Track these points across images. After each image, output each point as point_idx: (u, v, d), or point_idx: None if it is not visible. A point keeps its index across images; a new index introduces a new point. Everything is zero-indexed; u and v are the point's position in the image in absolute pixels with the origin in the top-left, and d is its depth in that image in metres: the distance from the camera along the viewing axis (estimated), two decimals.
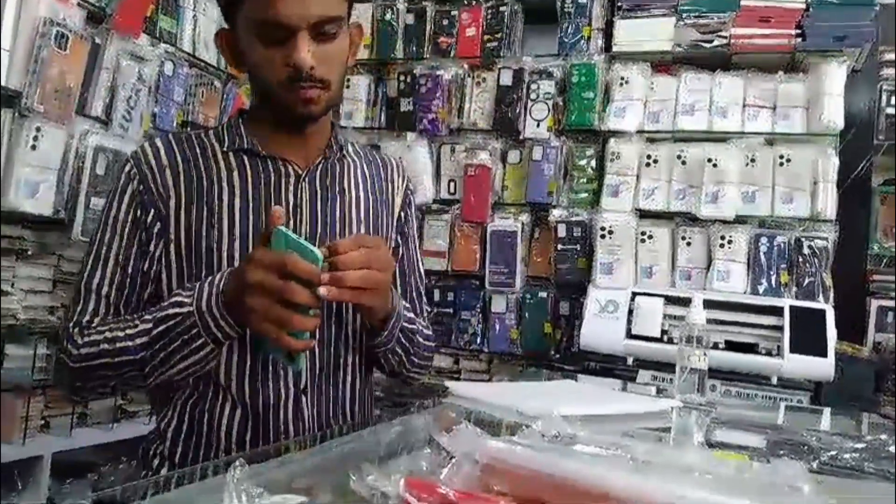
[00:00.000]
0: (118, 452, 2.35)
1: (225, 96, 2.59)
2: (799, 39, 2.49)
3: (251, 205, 1.13)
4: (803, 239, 2.41)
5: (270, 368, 1.10)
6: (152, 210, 1.11)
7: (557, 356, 2.67)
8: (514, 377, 2.53)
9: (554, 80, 2.76)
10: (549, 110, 2.76)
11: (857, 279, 2.63)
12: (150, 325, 1.04)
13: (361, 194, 1.24)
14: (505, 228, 2.77)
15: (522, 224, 2.77)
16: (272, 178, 1.15)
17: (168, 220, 1.11)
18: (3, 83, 1.86)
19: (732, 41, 2.57)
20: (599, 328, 2.40)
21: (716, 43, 2.60)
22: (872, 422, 1.27)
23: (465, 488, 0.52)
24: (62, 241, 2.08)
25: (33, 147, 1.92)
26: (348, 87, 3.12)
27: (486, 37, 2.89)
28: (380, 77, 3.11)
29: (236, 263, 1.08)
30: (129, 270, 1.12)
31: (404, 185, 1.34)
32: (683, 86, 2.64)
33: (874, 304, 2.64)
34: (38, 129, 1.93)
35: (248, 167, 1.15)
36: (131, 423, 2.35)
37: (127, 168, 1.14)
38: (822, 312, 2.23)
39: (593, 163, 2.73)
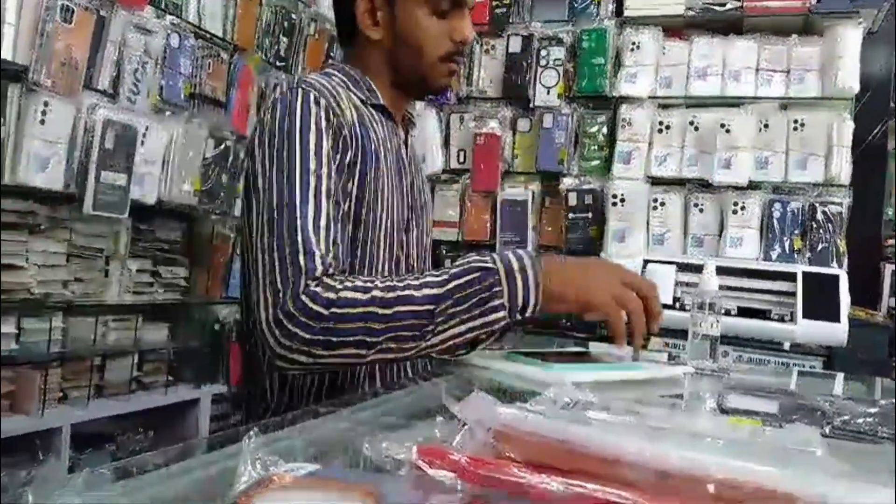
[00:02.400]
0: (135, 422, 2.38)
1: (232, 67, 2.58)
2: (813, 1, 2.44)
3: (390, 159, 1.13)
4: (817, 204, 2.39)
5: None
6: (347, 149, 1.04)
7: (569, 324, 2.67)
8: (527, 346, 2.54)
9: (564, 46, 2.73)
10: (559, 77, 2.73)
11: (871, 244, 2.61)
12: (440, 278, 0.95)
13: (423, 169, 1.35)
14: (515, 197, 2.76)
15: (533, 193, 2.76)
16: (392, 137, 1.18)
17: (355, 161, 1.05)
18: (10, 58, 1.86)
19: (745, 4, 2.52)
20: None
21: (728, 6, 2.55)
22: (886, 386, 1.26)
23: (477, 455, 0.52)
24: (74, 214, 2.09)
25: (42, 122, 1.92)
26: None
27: (494, 3, 2.85)
28: None
29: (386, 216, 1.09)
30: (340, 205, 1.01)
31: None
32: (696, 50, 2.60)
33: (888, 269, 2.62)
34: (45, 104, 1.93)
35: (381, 122, 1.16)
36: (148, 393, 2.38)
37: (312, 97, 1.03)
38: (835, 278, 2.21)
39: (604, 130, 2.71)
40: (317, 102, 1.03)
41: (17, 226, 1.98)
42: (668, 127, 2.58)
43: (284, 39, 2.82)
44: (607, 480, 0.47)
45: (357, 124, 1.07)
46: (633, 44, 2.64)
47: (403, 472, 0.52)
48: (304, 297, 0.92)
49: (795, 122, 2.45)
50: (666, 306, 2.31)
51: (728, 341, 2.25)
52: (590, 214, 2.64)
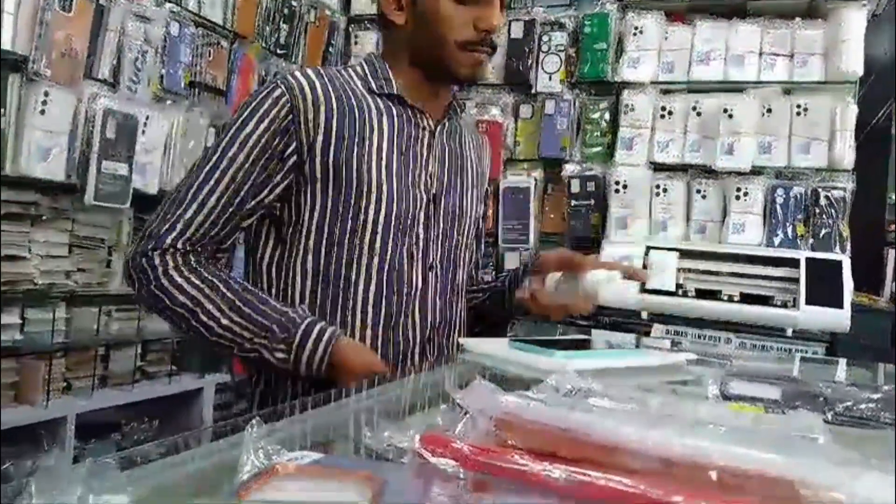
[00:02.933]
0: (139, 412, 2.39)
1: (232, 55, 2.57)
2: None
3: (395, 150, 1.13)
4: (820, 189, 2.38)
5: (402, 319, 1.14)
6: (294, 143, 1.08)
7: None
8: (529, 333, 2.54)
9: (566, 32, 2.71)
10: (561, 62, 2.72)
11: (874, 229, 2.61)
12: (248, 311, 1.07)
13: (472, 159, 1.30)
14: (517, 185, 2.75)
15: (535, 180, 2.75)
16: (412, 129, 1.17)
17: (313, 156, 1.08)
18: (9, 48, 1.85)
19: None
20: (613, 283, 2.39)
21: None
22: (888, 372, 1.26)
23: (480, 443, 0.52)
24: (76, 205, 2.09)
25: (42, 112, 1.92)
26: (356, 43, 3.08)
27: None
28: None
29: (382, 209, 1.11)
30: (243, 192, 1.07)
31: (489, 162, 1.42)
32: (698, 34, 2.59)
33: (892, 255, 2.61)
34: (46, 94, 1.92)
35: (393, 113, 1.15)
36: (151, 383, 2.39)
37: (276, 93, 1.08)
38: (838, 263, 2.21)
39: (607, 116, 2.70)
40: (276, 100, 1.07)
41: (20, 216, 1.99)
42: (670, 112, 2.56)
43: (285, 27, 2.80)
44: (610, 468, 0.47)
45: (335, 120, 1.09)
46: (636, 28, 2.62)
47: (406, 460, 0.52)
48: (143, 258, 1.04)
49: (799, 106, 2.44)
50: (668, 293, 2.32)
51: (731, 327, 2.25)
52: (592, 201, 2.64)
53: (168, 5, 2.30)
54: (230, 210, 1.07)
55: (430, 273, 1.18)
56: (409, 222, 1.14)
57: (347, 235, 1.10)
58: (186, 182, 1.08)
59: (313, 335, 1.05)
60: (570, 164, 2.68)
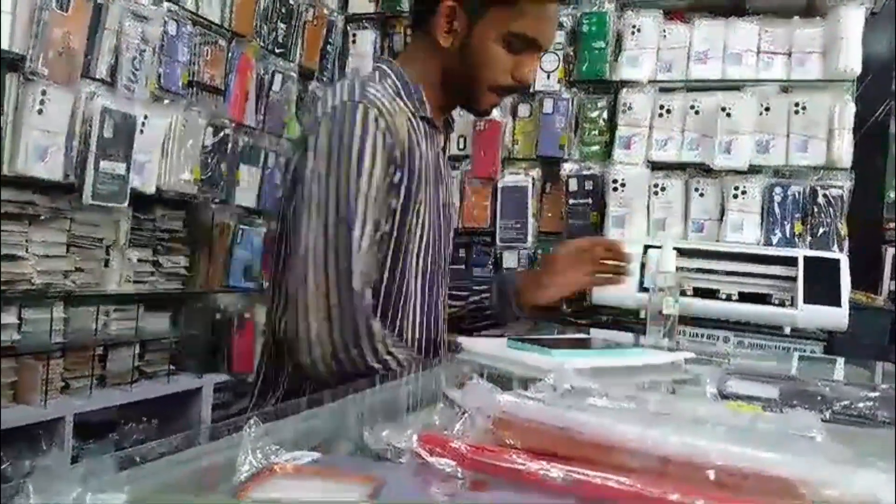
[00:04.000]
0: (138, 412, 2.39)
1: (230, 55, 2.56)
2: None
3: (430, 170, 1.17)
4: (818, 188, 2.38)
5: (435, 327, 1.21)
6: (396, 168, 1.09)
7: (569, 310, 2.67)
8: (527, 332, 2.54)
9: (564, 30, 2.71)
10: (559, 61, 2.72)
11: (872, 228, 2.61)
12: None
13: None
14: (516, 184, 2.75)
15: (533, 179, 2.75)
16: (436, 149, 1.22)
17: (403, 179, 1.10)
18: (6, 47, 1.85)
19: None
20: None
21: None
22: (886, 371, 1.26)
23: (478, 442, 0.52)
24: (74, 204, 2.09)
25: (40, 111, 1.91)
26: (354, 42, 3.08)
27: None
28: (386, 31, 3.06)
29: (426, 225, 1.15)
30: (379, 226, 1.08)
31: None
32: (697, 33, 2.59)
33: (890, 253, 2.61)
34: (43, 93, 1.92)
35: (427, 135, 1.18)
36: (150, 382, 2.39)
37: (372, 115, 1.05)
38: (836, 262, 2.21)
39: (605, 114, 2.70)
40: (375, 121, 1.06)
41: (17, 216, 1.98)
42: (668, 111, 2.56)
43: (283, 26, 2.80)
44: (607, 467, 0.47)
45: (407, 142, 1.11)
46: (634, 27, 2.62)
47: (404, 459, 0.52)
48: (365, 349, 1.03)
49: (797, 104, 2.44)
50: None
51: (728, 326, 2.25)
52: (590, 200, 2.64)
53: (166, 4, 2.29)
54: (374, 249, 1.10)
55: (444, 281, 1.27)
56: (439, 244, 1.21)
57: (397, 247, 1.14)
58: (331, 228, 1.04)
59: None
60: (568, 162, 2.68)
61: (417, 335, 1.18)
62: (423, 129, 1.17)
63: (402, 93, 1.17)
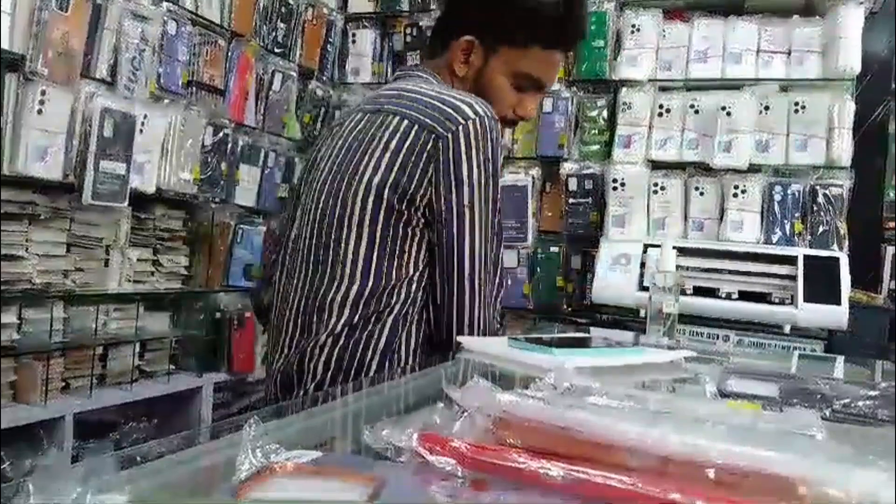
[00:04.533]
0: (138, 411, 2.39)
1: (229, 55, 2.56)
2: None
3: None
4: (818, 187, 2.38)
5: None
6: None
7: (570, 310, 2.67)
8: (527, 331, 2.55)
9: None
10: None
11: (872, 227, 2.61)
12: None
13: None
14: (515, 183, 2.75)
15: (533, 178, 2.75)
16: None
17: None
18: (6, 47, 1.85)
19: None
20: (612, 281, 2.40)
21: None
22: (886, 369, 1.26)
23: (478, 442, 0.52)
24: (73, 204, 2.09)
25: (40, 111, 1.91)
26: (354, 42, 3.08)
27: None
28: (385, 31, 3.06)
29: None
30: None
31: None
32: (696, 32, 2.59)
33: (889, 252, 2.61)
34: (43, 93, 1.92)
35: None
36: (150, 382, 2.39)
37: (498, 127, 1.17)
38: (836, 260, 2.21)
39: (605, 114, 2.70)
40: (500, 135, 1.18)
41: (17, 216, 1.98)
42: (668, 110, 2.56)
43: (282, 25, 2.80)
44: (608, 466, 0.47)
45: None
46: (633, 26, 2.62)
47: (404, 459, 0.52)
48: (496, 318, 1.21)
49: (796, 103, 2.44)
50: None
51: (729, 325, 2.25)
52: (590, 199, 2.64)
53: (165, 4, 2.29)
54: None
55: None
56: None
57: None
58: (489, 242, 1.16)
59: None
60: (568, 162, 2.68)
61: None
62: None
63: None
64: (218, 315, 2.62)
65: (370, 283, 1.13)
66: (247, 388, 2.82)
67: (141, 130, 2.18)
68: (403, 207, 1.12)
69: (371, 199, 1.12)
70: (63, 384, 2.11)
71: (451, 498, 0.47)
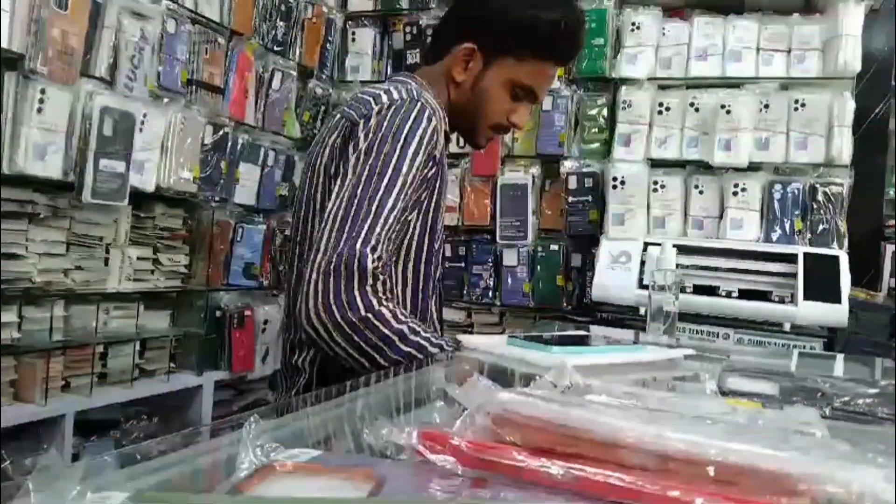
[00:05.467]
0: (138, 409, 2.39)
1: (229, 53, 2.56)
2: None
3: (446, 185, 1.28)
4: (818, 185, 2.38)
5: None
6: (434, 169, 1.19)
7: (570, 308, 2.67)
8: (527, 330, 2.55)
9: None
10: None
11: (872, 225, 2.60)
12: (426, 345, 1.09)
13: None
14: (515, 181, 2.75)
15: (533, 176, 2.75)
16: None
17: (436, 184, 1.21)
18: (5, 46, 1.84)
19: None
20: (612, 279, 2.40)
21: None
22: (886, 367, 1.27)
23: (478, 440, 0.52)
24: (73, 203, 2.09)
25: (39, 110, 1.91)
26: (354, 40, 3.07)
27: None
28: (385, 29, 3.06)
29: (436, 228, 1.24)
30: (406, 209, 1.14)
31: None
32: (696, 30, 2.58)
33: (889, 250, 2.61)
34: (42, 92, 1.91)
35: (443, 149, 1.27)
36: (150, 380, 2.39)
37: (427, 113, 1.16)
38: (835, 259, 2.21)
39: (605, 112, 2.70)
40: (429, 119, 1.16)
41: (17, 215, 1.98)
42: (668, 108, 2.56)
43: (282, 24, 2.80)
44: (607, 464, 0.47)
45: (442, 149, 1.22)
46: (634, 24, 2.62)
47: (404, 457, 0.52)
48: (358, 301, 1.02)
49: (796, 101, 2.44)
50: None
51: (729, 323, 2.25)
52: (590, 197, 2.64)
53: (164, 2, 2.29)
54: (397, 229, 1.11)
55: (437, 285, 1.35)
56: (439, 246, 1.30)
57: (427, 254, 1.23)
58: (366, 193, 1.09)
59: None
60: (568, 160, 2.68)
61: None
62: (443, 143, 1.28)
63: (433, 113, 1.25)
64: (218, 314, 2.62)
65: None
66: (247, 386, 2.83)
67: (140, 129, 2.18)
68: None
69: (323, 192, 1.19)
70: (63, 383, 2.11)
71: (452, 495, 0.47)
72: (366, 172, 1.10)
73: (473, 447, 0.51)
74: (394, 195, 1.09)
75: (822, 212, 2.36)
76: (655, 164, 2.57)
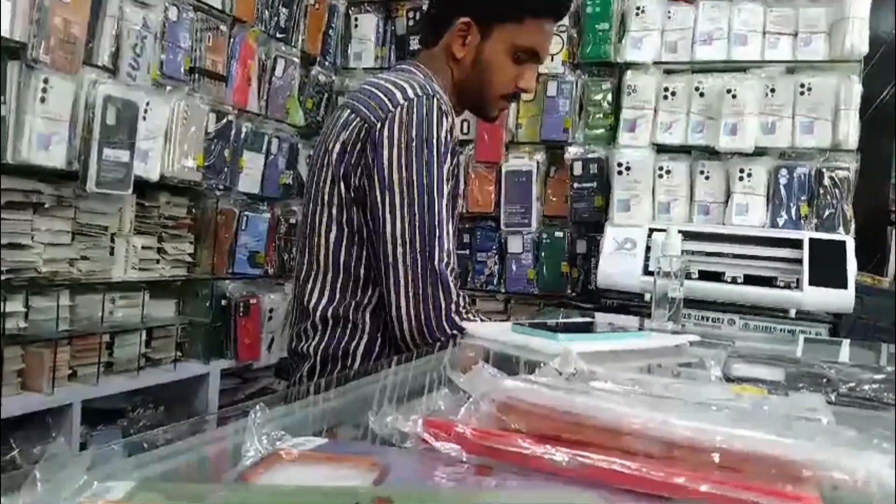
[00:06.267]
0: (145, 398, 2.41)
1: (232, 40, 2.55)
2: None
3: (461, 173, 1.31)
4: (824, 170, 2.36)
5: None
6: (454, 160, 1.20)
7: (574, 295, 2.67)
8: (532, 317, 2.55)
9: (568, 12, 2.69)
10: (563, 43, 2.70)
11: (878, 210, 2.59)
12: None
13: None
14: (520, 168, 2.74)
15: (537, 163, 2.74)
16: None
17: (458, 172, 1.23)
18: (7, 35, 1.84)
19: None
20: (616, 266, 2.39)
21: None
22: (892, 353, 1.26)
23: (483, 427, 0.52)
24: (78, 192, 2.09)
25: (42, 99, 1.91)
26: (356, 26, 3.06)
27: None
28: (388, 15, 3.04)
29: (454, 215, 1.23)
30: (450, 213, 1.17)
31: None
32: (702, 14, 2.56)
33: (895, 234, 2.60)
34: (45, 81, 1.91)
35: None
36: (156, 369, 2.40)
37: (444, 108, 1.17)
38: (842, 244, 2.20)
39: (609, 97, 2.68)
40: (446, 117, 1.17)
41: (22, 205, 1.98)
42: (673, 93, 2.55)
43: (284, 10, 2.78)
44: (612, 451, 0.47)
45: (455, 139, 1.22)
46: (638, 8, 2.60)
47: (409, 444, 0.52)
48: (446, 325, 1.12)
49: (802, 85, 2.42)
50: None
51: (734, 309, 2.25)
52: (595, 183, 2.63)
53: None
54: (453, 226, 1.19)
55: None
56: (456, 222, 1.30)
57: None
58: (423, 210, 1.13)
59: None
60: (572, 146, 2.67)
61: None
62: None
63: (436, 99, 1.25)
64: (224, 302, 2.63)
65: (342, 272, 1.19)
66: (253, 374, 2.84)
67: (144, 118, 2.18)
68: (353, 195, 1.17)
69: (331, 190, 1.19)
70: (70, 372, 2.13)
71: (457, 483, 0.47)
72: (415, 186, 1.13)
73: (478, 435, 0.51)
74: (445, 202, 1.14)
75: (828, 197, 2.35)
76: (661, 149, 2.56)
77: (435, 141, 1.14)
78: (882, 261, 2.55)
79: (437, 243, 1.12)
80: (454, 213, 1.24)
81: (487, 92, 1.30)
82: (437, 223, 1.12)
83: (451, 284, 1.13)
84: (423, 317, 1.12)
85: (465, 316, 1.15)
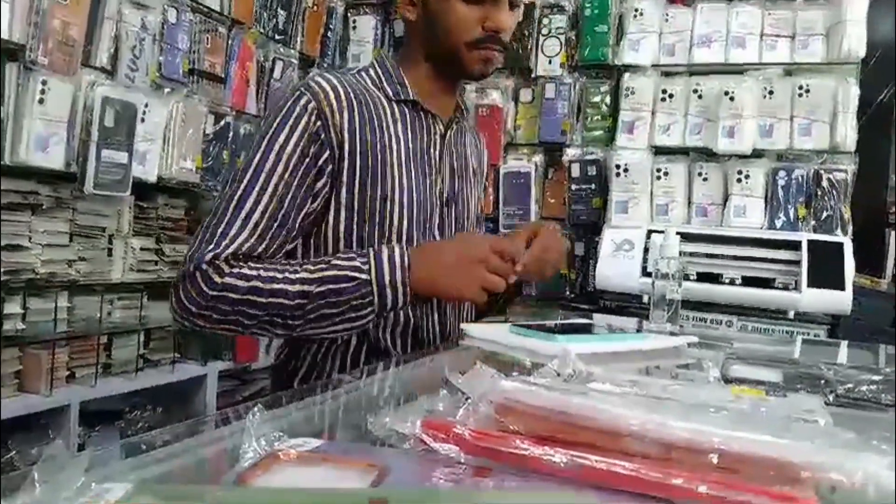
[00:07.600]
0: (143, 400, 2.40)
1: (230, 42, 2.55)
2: None
3: (412, 158, 1.17)
4: (822, 172, 2.37)
5: (424, 317, 1.18)
6: (328, 151, 1.09)
7: (573, 296, 2.67)
8: (530, 318, 2.55)
9: (566, 14, 2.69)
10: (561, 46, 2.70)
11: (876, 211, 2.59)
12: (316, 277, 1.01)
13: (473, 162, 1.34)
14: (518, 169, 2.74)
15: (536, 164, 2.74)
16: (425, 133, 1.20)
17: (341, 164, 1.10)
18: (6, 37, 1.84)
19: None
20: (615, 267, 2.39)
21: None
22: (890, 354, 1.26)
23: (481, 428, 0.52)
24: (76, 194, 2.09)
25: (41, 101, 1.91)
26: (355, 28, 3.06)
27: None
28: (386, 17, 3.04)
29: (405, 215, 1.13)
30: (286, 204, 1.06)
31: (486, 165, 1.46)
32: (699, 16, 2.57)
33: (894, 236, 2.60)
34: (44, 83, 1.91)
35: (408, 118, 1.18)
36: (154, 371, 2.40)
37: (303, 101, 1.08)
38: (839, 245, 2.20)
39: (608, 99, 2.68)
40: (305, 107, 1.08)
41: (21, 206, 1.98)
42: (671, 95, 2.55)
43: (282, 12, 2.78)
44: (610, 452, 0.47)
45: (357, 126, 1.11)
46: (636, 10, 2.60)
47: (408, 445, 0.52)
48: (197, 274, 1.01)
49: (800, 87, 2.42)
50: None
51: (732, 311, 2.25)
52: (593, 185, 2.63)
53: None
54: (275, 225, 1.06)
55: None
56: (426, 227, 1.18)
57: (369, 241, 1.12)
58: (224, 199, 1.06)
59: (385, 253, 1.04)
60: (570, 148, 2.67)
61: (395, 327, 1.15)
62: (405, 115, 1.17)
63: (383, 80, 1.18)
64: None
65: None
66: (251, 376, 2.83)
67: (142, 119, 2.18)
68: None
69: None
70: (68, 373, 2.12)
71: (455, 484, 0.47)
72: (230, 176, 1.09)
73: (476, 436, 0.51)
74: (257, 195, 1.05)
75: (826, 198, 2.35)
76: (659, 151, 2.56)
77: (272, 130, 1.07)
78: (880, 263, 2.56)
79: (220, 233, 1.03)
80: (374, 203, 1.12)
81: (450, 43, 1.15)
82: (233, 208, 1.04)
83: (219, 239, 1.02)
84: (184, 264, 1.04)
85: (223, 269, 1.01)
